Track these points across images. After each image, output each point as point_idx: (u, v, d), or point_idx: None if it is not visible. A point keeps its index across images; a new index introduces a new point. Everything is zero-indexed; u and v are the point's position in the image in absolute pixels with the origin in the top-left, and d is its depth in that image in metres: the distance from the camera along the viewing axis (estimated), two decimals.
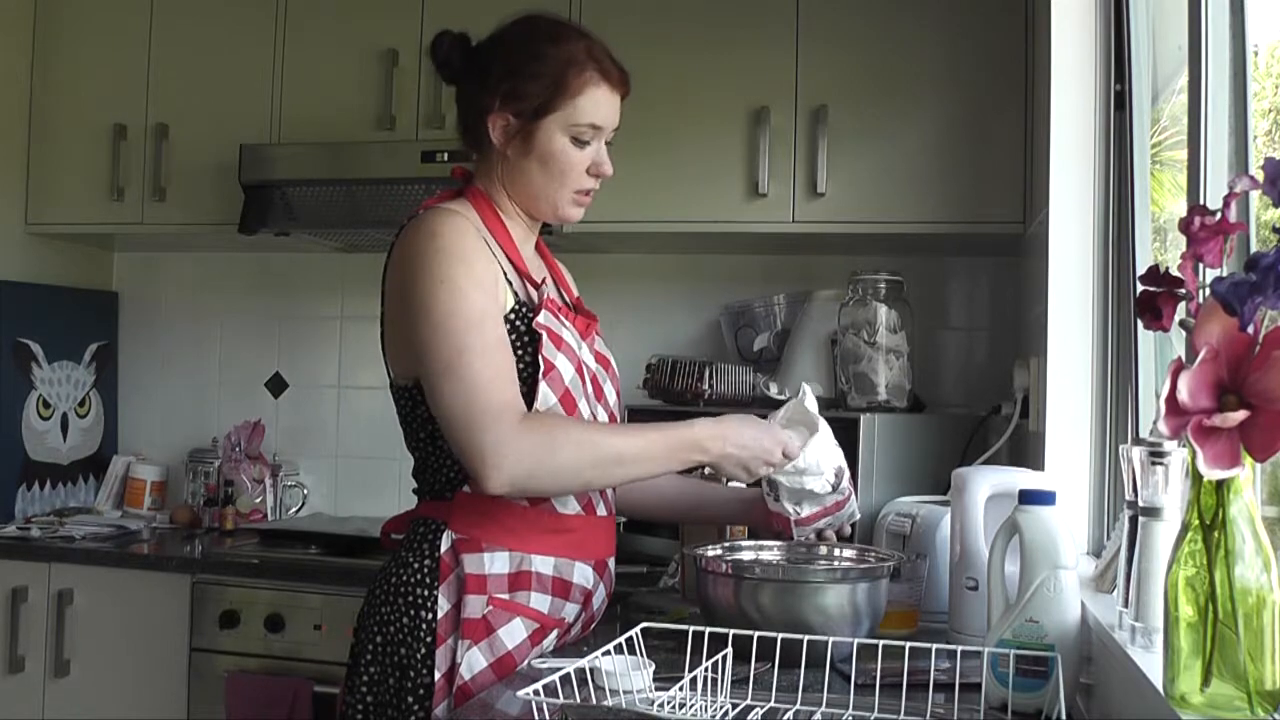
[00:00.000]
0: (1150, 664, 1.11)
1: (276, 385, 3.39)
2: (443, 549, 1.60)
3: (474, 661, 1.56)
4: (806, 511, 1.77)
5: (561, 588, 1.65)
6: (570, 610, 1.67)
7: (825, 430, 1.76)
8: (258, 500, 3.13)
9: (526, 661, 1.61)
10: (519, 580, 1.61)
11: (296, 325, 3.38)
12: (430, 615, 1.58)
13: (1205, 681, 0.96)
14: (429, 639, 1.57)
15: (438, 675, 1.56)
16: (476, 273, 1.57)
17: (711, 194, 2.72)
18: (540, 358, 1.59)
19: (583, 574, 1.67)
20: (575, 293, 1.89)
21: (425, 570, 1.60)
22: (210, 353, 3.44)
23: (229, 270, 3.43)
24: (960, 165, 2.60)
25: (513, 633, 1.59)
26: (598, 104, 1.66)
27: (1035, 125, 2.41)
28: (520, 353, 1.60)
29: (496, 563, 1.60)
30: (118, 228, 3.14)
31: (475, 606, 1.57)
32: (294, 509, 3.25)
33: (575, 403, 1.63)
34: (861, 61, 2.66)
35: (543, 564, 1.63)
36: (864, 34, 2.66)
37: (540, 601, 1.62)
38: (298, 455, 3.33)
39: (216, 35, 3.05)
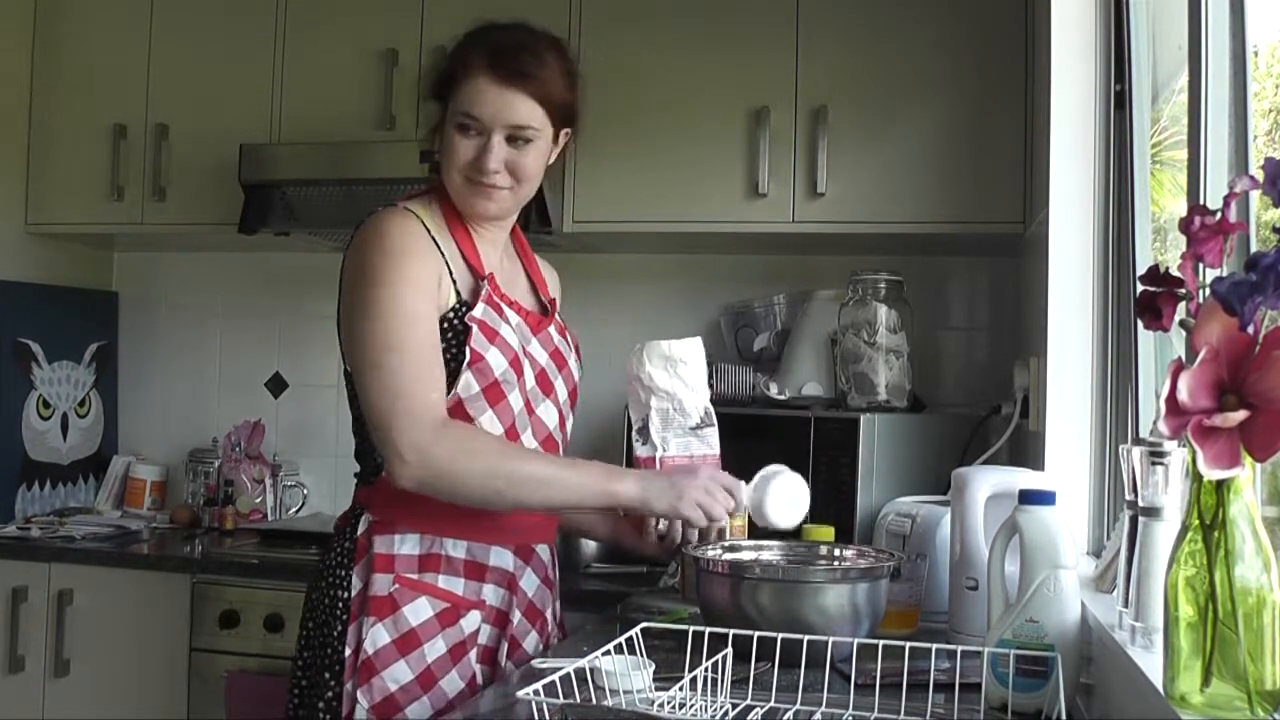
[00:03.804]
0: (1150, 664, 1.11)
1: (276, 385, 3.39)
2: (360, 531, 1.67)
3: (377, 637, 1.60)
4: (673, 450, 1.81)
5: (475, 570, 1.68)
6: (491, 592, 1.69)
7: (699, 361, 1.85)
8: (258, 500, 3.13)
9: (443, 642, 1.63)
10: (428, 562, 1.66)
11: (296, 325, 3.38)
12: (346, 594, 1.65)
13: (1205, 681, 0.96)
14: (344, 616, 1.63)
15: (347, 651, 1.61)
16: (414, 274, 1.62)
17: (711, 194, 2.72)
18: (468, 348, 1.63)
19: (500, 557, 1.70)
20: (552, 294, 1.91)
21: (344, 552, 1.68)
22: (210, 353, 3.44)
23: (229, 270, 3.43)
24: (960, 165, 2.60)
25: (417, 610, 1.63)
26: (471, 91, 1.65)
27: (1035, 125, 2.41)
28: (455, 350, 1.65)
29: (406, 544, 1.66)
30: (118, 228, 3.14)
31: (381, 584, 1.63)
32: (294, 509, 3.25)
33: (504, 395, 1.67)
34: (861, 61, 2.66)
35: (454, 547, 1.67)
36: (864, 34, 2.66)
37: (451, 583, 1.66)
38: (298, 455, 3.33)
39: (216, 35, 3.05)
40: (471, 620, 1.67)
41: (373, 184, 2.82)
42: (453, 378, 1.64)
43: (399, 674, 1.59)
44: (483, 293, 1.67)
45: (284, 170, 2.89)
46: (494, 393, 1.66)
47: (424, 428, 1.57)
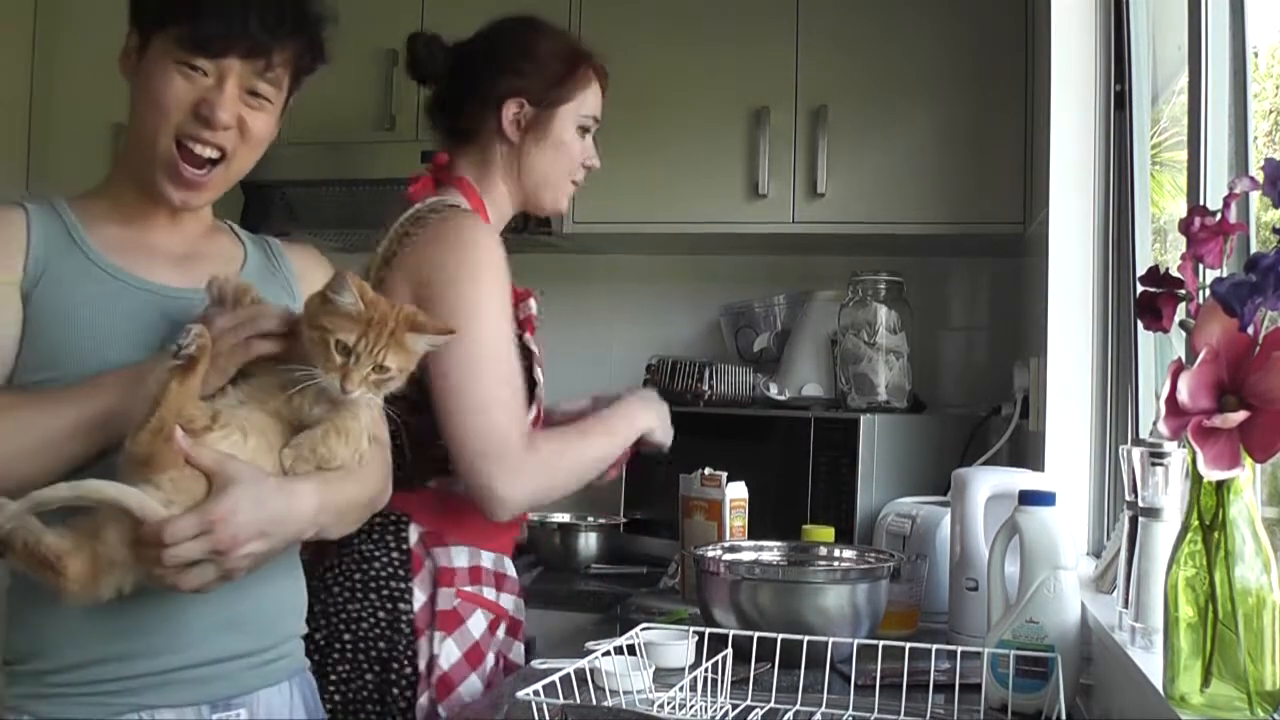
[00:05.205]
0: (1150, 664, 1.11)
1: None
2: (411, 542, 1.62)
3: (449, 652, 1.59)
4: None
5: (501, 581, 1.69)
6: (508, 601, 1.70)
7: None
8: None
9: (492, 652, 1.64)
10: (475, 574, 1.65)
11: None
12: (408, 608, 1.59)
13: (1205, 682, 0.96)
14: (409, 631, 1.58)
15: (421, 665, 1.58)
16: (507, 296, 1.61)
17: (711, 194, 2.72)
18: (537, 374, 1.66)
19: (511, 567, 1.72)
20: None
21: (396, 563, 1.61)
22: None
23: None
24: (960, 165, 2.60)
25: (477, 624, 1.63)
26: (597, 97, 1.76)
27: (1035, 125, 2.41)
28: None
29: (458, 557, 1.64)
30: None
31: (447, 598, 1.61)
32: None
33: (541, 411, 1.70)
34: (861, 61, 2.66)
35: (488, 559, 1.67)
36: (864, 34, 2.66)
37: (491, 594, 1.66)
38: None
39: None
40: (501, 630, 1.68)
41: (373, 184, 2.82)
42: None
43: (474, 687, 1.58)
44: (523, 314, 1.69)
45: (284, 170, 2.89)
46: (536, 410, 1.68)
47: (522, 459, 1.55)
